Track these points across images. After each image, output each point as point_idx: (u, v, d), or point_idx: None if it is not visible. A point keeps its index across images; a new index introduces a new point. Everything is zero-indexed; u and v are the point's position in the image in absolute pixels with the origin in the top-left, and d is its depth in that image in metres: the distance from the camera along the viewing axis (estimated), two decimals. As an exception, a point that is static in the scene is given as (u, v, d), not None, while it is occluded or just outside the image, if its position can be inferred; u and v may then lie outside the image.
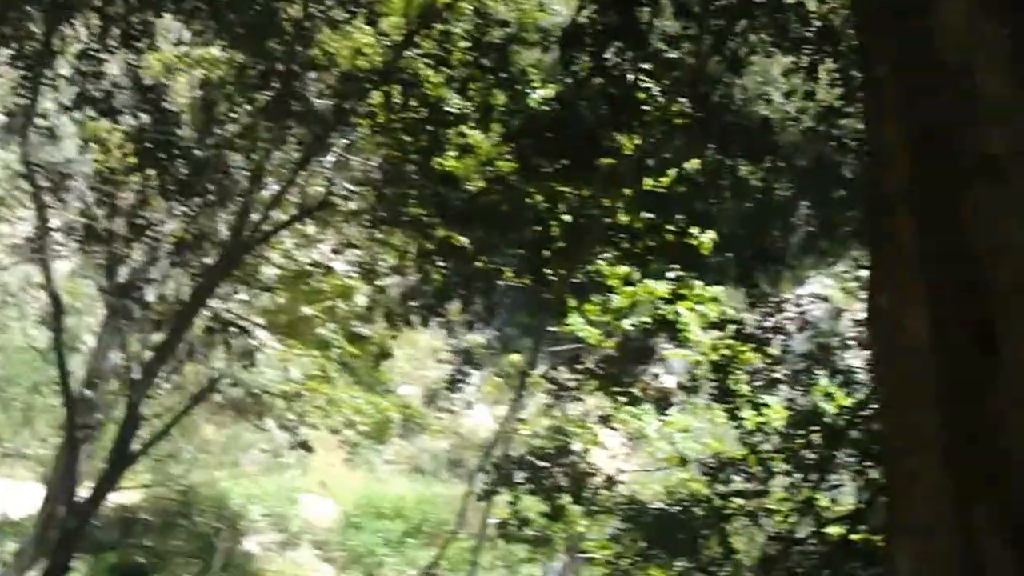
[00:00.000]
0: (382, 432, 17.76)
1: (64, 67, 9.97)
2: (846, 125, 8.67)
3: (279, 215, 11.16)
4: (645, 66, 8.41)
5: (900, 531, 3.89)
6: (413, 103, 9.76)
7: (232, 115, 10.32)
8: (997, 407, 3.65)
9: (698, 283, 9.82)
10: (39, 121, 10.19)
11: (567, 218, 9.43)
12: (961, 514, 3.66)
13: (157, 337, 11.55)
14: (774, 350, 9.83)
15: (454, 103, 9.57)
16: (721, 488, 9.45)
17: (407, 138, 9.94)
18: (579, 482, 10.52)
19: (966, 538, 3.65)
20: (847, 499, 8.95)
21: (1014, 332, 3.68)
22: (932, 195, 3.85)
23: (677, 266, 9.82)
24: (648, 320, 10.03)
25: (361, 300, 13.76)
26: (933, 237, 3.86)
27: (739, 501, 9.33)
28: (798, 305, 10.68)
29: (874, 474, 8.27)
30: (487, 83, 9.45)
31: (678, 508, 9.54)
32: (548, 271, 9.86)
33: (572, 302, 10.34)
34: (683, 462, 10.27)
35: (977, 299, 3.73)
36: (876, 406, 7.81)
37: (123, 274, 11.52)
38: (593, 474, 10.66)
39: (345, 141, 10.73)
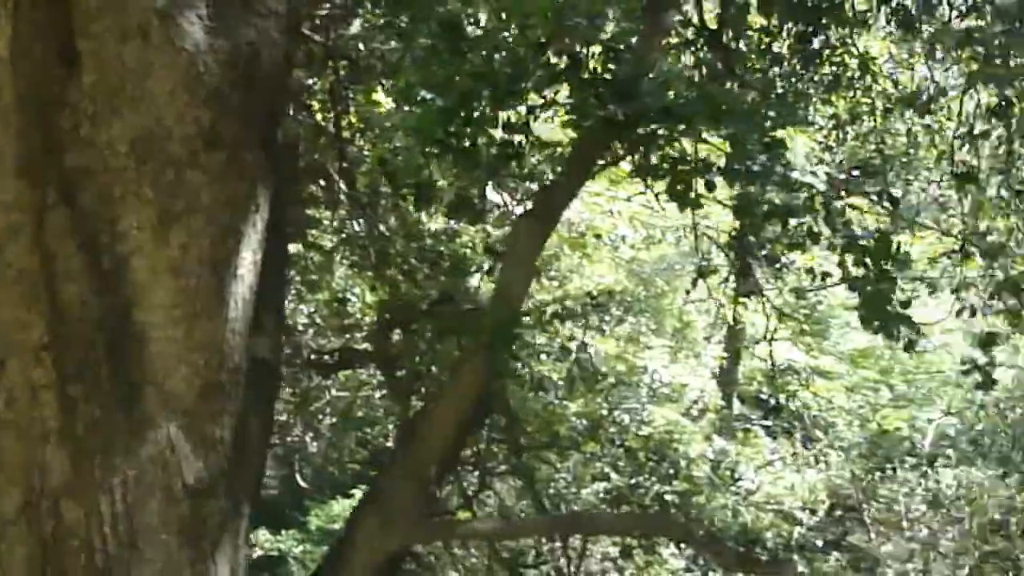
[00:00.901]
0: None
1: None
2: None
3: None
4: None
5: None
6: None
7: None
8: (75, 122, 3.80)
9: None
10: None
11: None
12: (36, 224, 3.80)
13: None
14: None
15: None
16: None
17: None
18: None
19: (41, 246, 3.81)
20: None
21: (95, 48, 3.82)
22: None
23: None
24: None
25: None
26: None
27: None
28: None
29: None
30: None
31: None
32: None
33: None
34: None
35: (61, 14, 3.80)
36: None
37: None
38: None
39: None
